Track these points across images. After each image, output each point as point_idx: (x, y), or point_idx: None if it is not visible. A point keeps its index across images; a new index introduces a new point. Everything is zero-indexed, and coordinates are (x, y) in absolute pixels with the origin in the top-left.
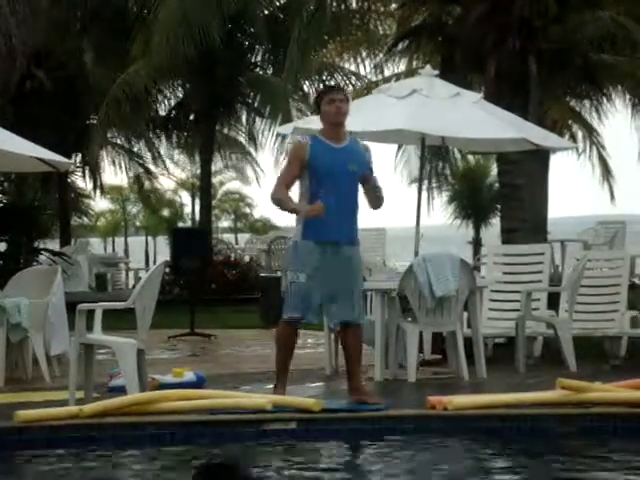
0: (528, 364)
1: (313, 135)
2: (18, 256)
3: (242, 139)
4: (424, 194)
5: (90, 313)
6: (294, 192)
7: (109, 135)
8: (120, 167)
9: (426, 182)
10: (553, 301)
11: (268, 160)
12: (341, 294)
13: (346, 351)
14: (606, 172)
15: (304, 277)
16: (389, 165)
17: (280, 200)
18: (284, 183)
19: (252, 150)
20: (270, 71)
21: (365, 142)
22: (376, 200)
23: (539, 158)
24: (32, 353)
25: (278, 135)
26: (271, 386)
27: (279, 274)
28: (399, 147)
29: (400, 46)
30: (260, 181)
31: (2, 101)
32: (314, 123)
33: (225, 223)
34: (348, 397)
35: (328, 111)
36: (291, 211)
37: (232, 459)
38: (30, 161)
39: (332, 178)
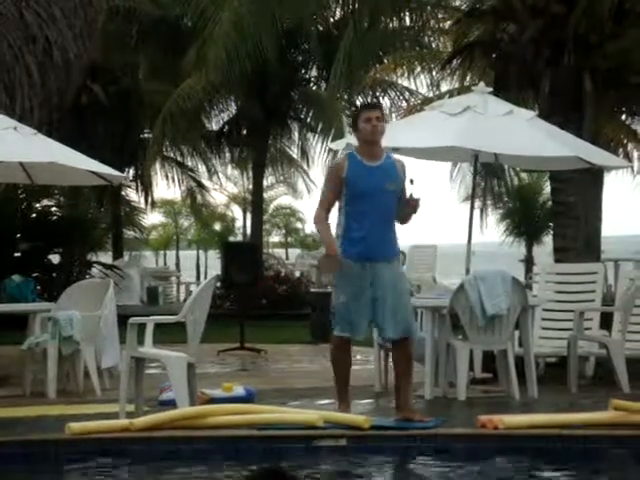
0: (580, 384)
1: (351, 153)
2: (71, 269)
3: (294, 154)
4: (477, 211)
5: (141, 326)
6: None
7: (162, 149)
8: (173, 181)
9: (480, 199)
10: (606, 321)
11: (320, 175)
12: (386, 310)
13: (395, 367)
14: None
15: (344, 297)
16: (445, 182)
17: (319, 231)
18: (326, 207)
19: (304, 164)
20: (323, 87)
21: (399, 157)
22: (406, 217)
23: (593, 176)
24: (84, 366)
25: (330, 151)
26: (321, 402)
27: (329, 290)
28: (454, 164)
29: (454, 62)
30: (312, 194)
31: (58, 115)
32: None
33: (276, 238)
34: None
35: (364, 129)
36: (326, 242)
37: (282, 467)
38: (84, 175)
39: (369, 197)
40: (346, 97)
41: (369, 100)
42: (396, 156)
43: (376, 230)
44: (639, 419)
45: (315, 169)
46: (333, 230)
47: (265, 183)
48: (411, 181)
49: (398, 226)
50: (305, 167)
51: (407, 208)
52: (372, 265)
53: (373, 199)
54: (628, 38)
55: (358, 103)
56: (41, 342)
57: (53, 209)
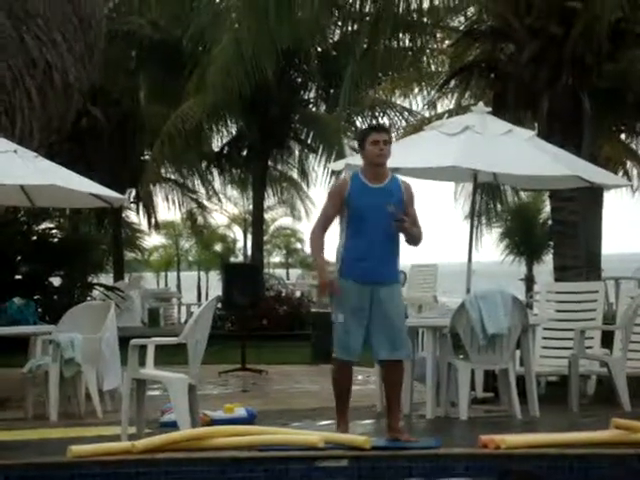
0: (581, 403)
1: (355, 173)
2: (72, 291)
3: (295, 175)
4: (475, 230)
5: (142, 348)
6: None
7: (163, 171)
8: (173, 202)
9: (476, 218)
10: (607, 339)
11: (320, 196)
12: (380, 331)
13: (385, 388)
14: None
15: (342, 317)
16: (449, 201)
17: (312, 250)
18: (322, 226)
19: (304, 186)
20: (323, 108)
21: (405, 179)
22: (411, 241)
23: (593, 195)
24: (85, 388)
25: (332, 173)
26: (322, 422)
27: (329, 310)
28: (457, 184)
29: (452, 83)
30: (311, 217)
31: (58, 138)
32: None
33: (277, 258)
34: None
35: (371, 151)
36: (318, 268)
37: None
38: (85, 197)
39: (368, 218)
40: (345, 117)
41: (369, 121)
42: (402, 177)
43: (375, 252)
44: None
45: (315, 190)
46: (333, 252)
47: (266, 204)
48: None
49: (407, 247)
50: (305, 188)
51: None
52: (369, 287)
53: (373, 220)
54: (625, 59)
55: (358, 124)
56: (42, 365)
57: (54, 231)
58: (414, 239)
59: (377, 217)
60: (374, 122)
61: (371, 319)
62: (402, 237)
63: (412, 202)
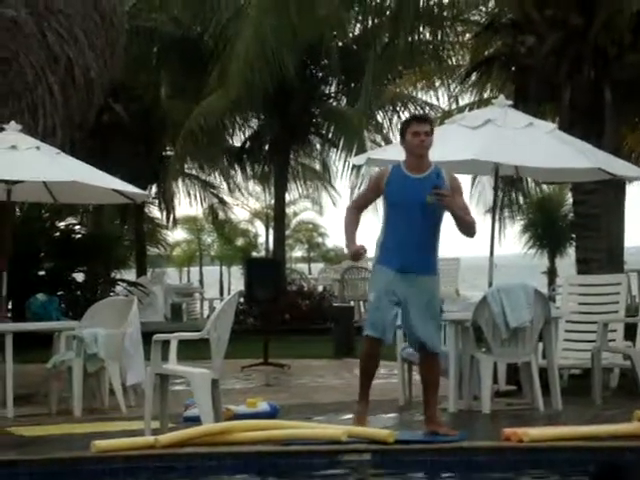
0: (604, 396)
1: (397, 165)
2: (95, 287)
3: (317, 167)
4: (497, 223)
5: (165, 343)
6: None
7: (184, 166)
8: (195, 198)
9: (499, 211)
10: (630, 332)
11: (343, 191)
12: (413, 321)
13: (422, 381)
14: None
15: (373, 297)
16: (465, 195)
17: (345, 228)
18: (357, 205)
19: (327, 177)
20: (344, 102)
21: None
22: (463, 228)
23: (615, 187)
24: (108, 383)
25: (353, 167)
26: (345, 416)
27: (352, 304)
28: (474, 177)
29: (473, 76)
30: (338, 205)
31: (80, 134)
32: (387, 153)
33: (299, 253)
34: (424, 427)
35: (411, 142)
36: (346, 238)
37: None
38: (107, 193)
39: (406, 208)
40: (367, 112)
41: (389, 115)
42: (449, 172)
43: (411, 242)
44: None
45: (338, 184)
46: (373, 241)
47: (288, 198)
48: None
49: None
50: (329, 179)
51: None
52: (404, 276)
53: (410, 210)
54: None
55: (379, 118)
56: (66, 360)
57: (77, 227)
58: (465, 225)
59: (413, 207)
60: (398, 117)
61: (408, 310)
62: (453, 227)
63: (459, 192)
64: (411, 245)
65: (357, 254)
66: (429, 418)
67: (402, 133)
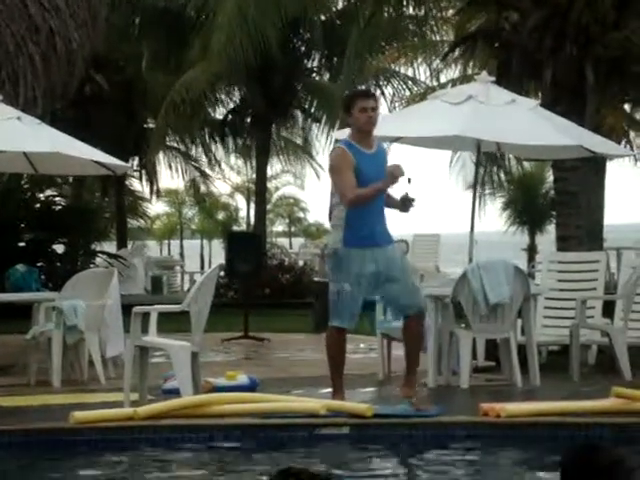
0: (582, 372)
1: (346, 141)
2: (75, 258)
3: (299, 142)
4: (478, 200)
5: (145, 316)
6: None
7: (166, 139)
8: (176, 171)
9: (479, 188)
10: (608, 309)
11: (325, 166)
12: (396, 291)
13: (405, 346)
14: None
15: (348, 286)
16: (444, 171)
17: (360, 195)
18: (353, 190)
19: (310, 151)
20: (326, 77)
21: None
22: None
23: (595, 165)
24: (88, 355)
25: (336, 141)
26: (324, 390)
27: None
28: (454, 153)
29: (456, 52)
30: (321, 179)
31: (62, 104)
32: None
33: (279, 227)
34: (400, 397)
35: (359, 118)
36: (378, 191)
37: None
38: (88, 164)
39: (366, 184)
40: (349, 86)
41: (373, 90)
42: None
43: (378, 216)
44: None
45: (320, 159)
46: (329, 224)
47: (269, 172)
48: (409, 180)
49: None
50: (311, 154)
51: (401, 208)
52: (378, 249)
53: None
54: (629, 28)
55: None
56: (45, 331)
57: (57, 199)
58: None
59: (375, 183)
60: (359, 88)
61: (385, 282)
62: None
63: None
64: (376, 219)
65: (393, 175)
66: (407, 382)
67: (347, 108)
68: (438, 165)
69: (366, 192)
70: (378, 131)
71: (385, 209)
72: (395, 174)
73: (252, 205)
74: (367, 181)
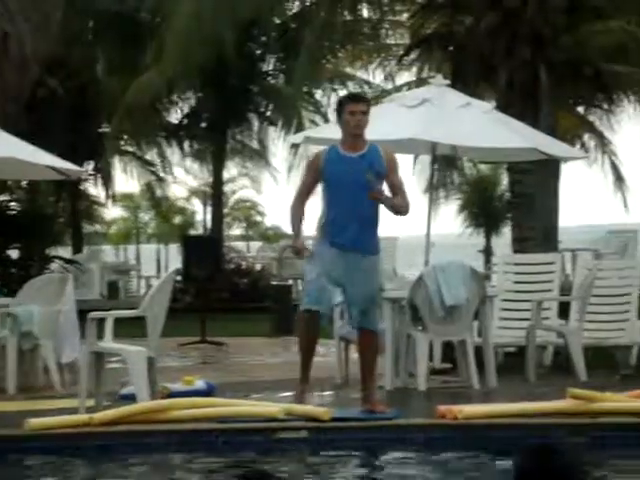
0: (538, 373)
1: (332, 145)
2: (30, 264)
3: (255, 145)
4: (434, 202)
5: (101, 321)
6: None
7: (121, 143)
8: (132, 175)
9: (436, 190)
10: (564, 310)
11: (281, 169)
12: (353, 299)
13: (360, 358)
14: (618, 180)
15: (315, 273)
16: (406, 174)
17: (290, 221)
18: (300, 195)
19: (266, 155)
20: (282, 80)
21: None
22: (393, 210)
23: (550, 167)
24: (43, 361)
25: (292, 146)
26: (283, 394)
27: (290, 282)
28: (415, 157)
29: (412, 55)
30: (278, 183)
31: (15, 108)
32: (325, 132)
33: (237, 231)
34: (360, 406)
35: (348, 121)
36: (293, 233)
37: (266, 471)
38: (42, 169)
39: (342, 187)
40: (304, 89)
41: (328, 93)
42: (387, 150)
43: (351, 221)
44: (597, 407)
45: (276, 163)
46: (315, 220)
47: (226, 176)
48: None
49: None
50: (267, 158)
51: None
52: (345, 254)
53: (349, 190)
54: (581, 32)
55: (317, 96)
56: (0, 338)
57: (11, 204)
58: (398, 209)
59: (354, 186)
60: (335, 95)
61: (348, 288)
62: (385, 208)
63: (395, 170)
64: (351, 224)
65: (300, 253)
66: (366, 397)
67: (339, 112)
68: (401, 168)
69: (292, 225)
70: (334, 134)
71: (376, 216)
72: (299, 253)
73: (209, 209)
74: (338, 184)
